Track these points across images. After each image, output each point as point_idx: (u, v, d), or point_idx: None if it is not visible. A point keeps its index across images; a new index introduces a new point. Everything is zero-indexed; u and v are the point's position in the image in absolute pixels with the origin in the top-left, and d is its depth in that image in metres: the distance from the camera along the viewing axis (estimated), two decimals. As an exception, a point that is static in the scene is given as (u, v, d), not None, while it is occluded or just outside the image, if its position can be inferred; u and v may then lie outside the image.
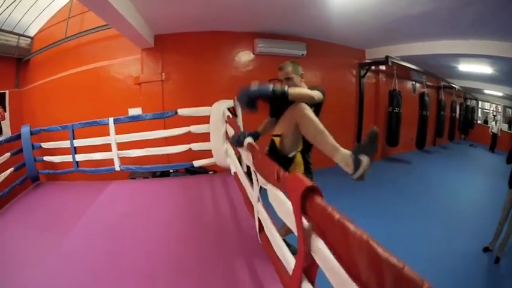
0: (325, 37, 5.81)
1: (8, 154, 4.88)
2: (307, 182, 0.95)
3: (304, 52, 5.60)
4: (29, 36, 6.31)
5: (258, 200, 2.01)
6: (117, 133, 4.45)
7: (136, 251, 2.57)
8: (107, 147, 4.55)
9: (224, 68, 5.45)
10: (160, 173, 4.83)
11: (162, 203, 3.38)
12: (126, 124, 4.48)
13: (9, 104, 6.14)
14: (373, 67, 6.54)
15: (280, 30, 5.46)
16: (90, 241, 2.89)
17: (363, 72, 6.41)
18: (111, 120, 4.42)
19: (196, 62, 5.22)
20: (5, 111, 6.07)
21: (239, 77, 5.48)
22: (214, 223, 2.89)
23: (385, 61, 6.13)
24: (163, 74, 5.04)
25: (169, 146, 4.39)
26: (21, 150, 5.10)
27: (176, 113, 4.23)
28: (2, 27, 5.61)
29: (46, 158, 5.13)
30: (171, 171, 4.79)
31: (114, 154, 4.55)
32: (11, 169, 4.89)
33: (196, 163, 4.17)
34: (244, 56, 5.49)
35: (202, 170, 4.83)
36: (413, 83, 7.58)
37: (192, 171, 4.83)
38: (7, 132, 6.01)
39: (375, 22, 4.83)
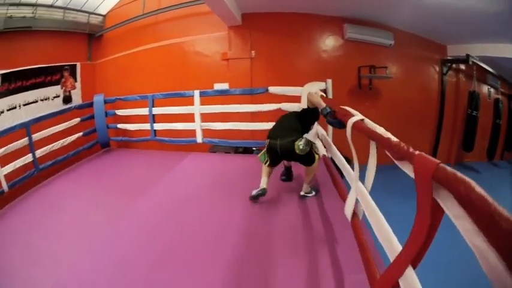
0: (410, 27, 5.48)
1: (77, 119, 4.96)
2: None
3: (392, 42, 5.28)
4: (100, 14, 6.55)
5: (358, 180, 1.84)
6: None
7: (214, 223, 2.37)
8: (188, 119, 4.43)
9: (312, 51, 5.23)
10: (243, 149, 4.54)
11: (243, 179, 3.17)
12: (211, 98, 4.38)
13: (80, 75, 6.26)
14: (454, 65, 6.14)
15: (369, 17, 5.19)
16: (160, 208, 2.75)
17: (445, 69, 6.01)
18: (196, 92, 4.32)
19: (285, 42, 5.06)
20: (76, 81, 6.15)
21: (327, 61, 5.24)
22: (298, 204, 2.62)
23: (465, 59, 5.72)
24: (252, 51, 4.85)
25: (256, 122, 4.18)
26: (92, 117, 5.16)
27: (267, 90, 4.06)
28: (71, 6, 5.95)
29: (120, 126, 5.12)
30: (254, 148, 4.47)
31: (197, 125, 4.43)
32: (80, 134, 4.97)
33: None
34: (333, 41, 5.23)
35: None
36: (489, 87, 7.07)
37: None
38: (77, 101, 6.11)
39: (458, 15, 4.51)
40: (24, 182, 3.98)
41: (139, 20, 5.85)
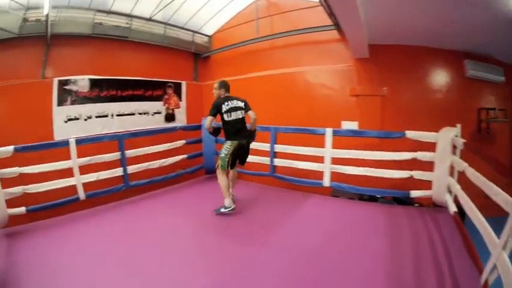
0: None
1: (182, 141, 4.74)
2: None
3: (503, 78, 4.70)
4: (205, 35, 6.52)
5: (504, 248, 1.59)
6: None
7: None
8: (311, 158, 4.10)
9: (432, 89, 4.75)
10: (369, 196, 4.17)
11: (372, 231, 2.93)
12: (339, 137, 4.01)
13: (186, 94, 6.07)
14: None
15: (485, 51, 4.70)
16: (283, 257, 2.46)
17: None
18: (329, 130, 3.95)
19: (409, 79, 4.65)
20: (180, 100, 5.88)
21: (448, 101, 4.71)
22: (430, 268, 2.23)
23: None
24: (384, 88, 4.50)
25: (388, 170, 3.77)
26: (199, 141, 4.92)
27: (404, 134, 3.62)
28: (171, 22, 5.95)
29: None
30: (378, 196, 4.13)
31: (326, 167, 4.04)
32: (184, 156, 4.76)
33: (415, 193, 3.55)
34: (453, 78, 4.74)
35: (408, 201, 4.14)
36: None
37: (399, 200, 4.15)
38: (181, 120, 6.02)
39: None
40: (109, 195, 3.89)
41: (252, 45, 5.66)
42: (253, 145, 4.43)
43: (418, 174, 3.52)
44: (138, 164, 4.22)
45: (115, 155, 4.03)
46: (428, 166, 3.39)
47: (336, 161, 4.01)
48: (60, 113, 4.71)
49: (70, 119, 4.78)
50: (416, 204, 3.84)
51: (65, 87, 4.73)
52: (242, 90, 5.53)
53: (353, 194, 4.18)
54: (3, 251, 2.66)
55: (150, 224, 3.28)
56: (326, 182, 4.06)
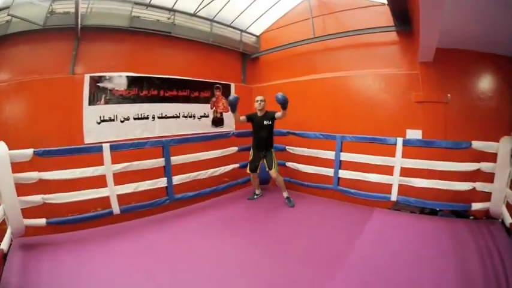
0: None
1: (235, 148, 4.54)
2: None
3: None
4: (254, 34, 6.20)
5: None
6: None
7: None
8: (375, 168, 3.92)
9: (491, 97, 4.38)
10: (430, 210, 3.99)
11: (441, 249, 2.79)
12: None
13: None
14: None
15: None
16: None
17: None
18: (399, 140, 3.79)
19: (470, 85, 4.34)
20: None
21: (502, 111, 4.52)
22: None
23: None
24: (448, 95, 4.29)
25: (453, 182, 3.57)
26: (250, 148, 4.60)
27: (470, 145, 3.48)
28: (217, 20, 5.56)
29: (290, 164, 4.64)
30: (438, 209, 3.98)
31: (394, 179, 3.86)
32: (236, 165, 4.58)
33: (476, 206, 3.42)
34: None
35: (464, 213, 3.99)
36: None
37: (457, 212, 3.98)
38: (230, 125, 5.71)
39: None
40: (151, 209, 3.61)
41: (304, 46, 5.38)
42: (311, 152, 4.39)
43: (480, 186, 3.41)
44: (184, 174, 3.93)
45: (158, 162, 3.67)
46: (489, 177, 3.28)
47: (403, 172, 3.83)
48: (92, 113, 4.24)
49: (104, 120, 4.33)
50: (471, 217, 3.70)
51: (98, 84, 4.31)
52: (294, 93, 5.34)
53: (414, 208, 3.99)
54: (19, 267, 2.32)
55: (203, 246, 2.95)
56: (393, 195, 3.88)
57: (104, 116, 4.31)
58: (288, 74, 5.64)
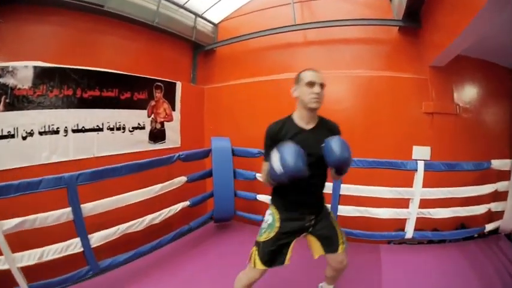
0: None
1: (182, 179, 3.18)
2: None
3: None
4: (211, 22, 4.78)
5: None
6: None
7: None
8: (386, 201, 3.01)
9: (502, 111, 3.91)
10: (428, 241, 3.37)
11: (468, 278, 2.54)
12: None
13: (181, 101, 4.19)
14: None
15: None
16: None
17: None
18: (420, 164, 2.94)
19: (482, 97, 3.70)
20: (173, 110, 4.11)
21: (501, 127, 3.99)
22: None
23: None
24: (457, 105, 3.53)
25: (471, 206, 3.10)
26: (208, 175, 3.48)
27: (490, 164, 3.07)
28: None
29: (264, 199, 3.40)
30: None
31: (412, 213, 3.00)
32: (186, 203, 3.24)
33: (489, 226, 3.16)
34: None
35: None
36: None
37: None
38: (174, 140, 4.15)
39: None
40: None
41: (279, 36, 4.15)
42: None
43: (494, 206, 3.17)
44: (107, 227, 2.53)
45: (62, 214, 2.21)
46: (502, 195, 3.11)
47: (422, 203, 3.00)
48: None
49: (2, 137, 2.63)
50: (476, 235, 3.32)
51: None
52: (261, 97, 4.16)
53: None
54: None
55: None
56: (409, 232, 3.02)
57: (2, 130, 2.62)
58: (253, 71, 4.40)
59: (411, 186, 2.92)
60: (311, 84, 1.54)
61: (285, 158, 1.37)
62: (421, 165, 2.88)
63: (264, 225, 1.73)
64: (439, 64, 3.43)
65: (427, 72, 3.49)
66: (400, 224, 3.09)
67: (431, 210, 3.00)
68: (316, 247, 1.74)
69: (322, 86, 1.56)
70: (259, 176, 3.31)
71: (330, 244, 1.73)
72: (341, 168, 1.54)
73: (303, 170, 1.38)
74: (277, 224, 1.66)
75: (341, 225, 2.93)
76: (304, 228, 1.69)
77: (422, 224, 3.06)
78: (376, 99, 3.63)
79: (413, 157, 3.43)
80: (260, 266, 1.64)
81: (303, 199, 1.65)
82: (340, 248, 1.74)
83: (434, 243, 3.23)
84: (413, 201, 2.93)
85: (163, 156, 2.96)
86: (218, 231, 3.48)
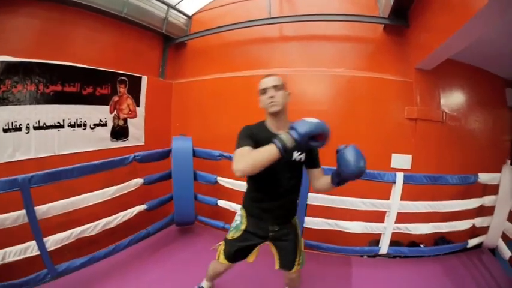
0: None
1: (138, 181, 2.96)
2: None
3: None
4: (185, 13, 4.46)
5: None
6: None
7: None
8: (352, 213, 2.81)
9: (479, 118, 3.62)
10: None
11: None
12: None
13: (146, 96, 3.97)
14: None
15: None
16: None
17: None
18: (400, 176, 2.70)
19: (470, 105, 3.48)
20: (137, 106, 3.88)
21: (488, 134, 3.63)
22: None
23: None
24: (443, 112, 3.28)
25: (453, 222, 2.93)
26: (167, 177, 3.23)
27: (477, 178, 2.85)
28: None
29: (224, 204, 3.20)
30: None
31: (388, 228, 2.79)
32: (143, 206, 3.00)
33: (472, 242, 2.98)
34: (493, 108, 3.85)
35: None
36: None
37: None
38: (137, 138, 3.94)
39: None
40: None
41: (255, 30, 3.86)
42: None
43: (479, 222, 2.97)
44: (65, 230, 2.39)
45: (18, 216, 2.12)
46: (488, 210, 2.92)
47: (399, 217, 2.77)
48: None
49: None
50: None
51: None
52: (231, 93, 3.92)
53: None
54: None
55: None
56: (384, 247, 2.80)
57: None
58: (226, 67, 4.12)
59: (388, 198, 2.69)
60: (264, 91, 1.57)
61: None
62: (400, 178, 2.64)
63: (233, 224, 1.77)
64: (426, 67, 3.19)
65: (412, 74, 3.24)
66: (374, 235, 2.87)
67: (409, 226, 2.78)
68: (275, 258, 1.76)
69: (276, 87, 1.55)
70: (221, 180, 3.09)
71: (285, 261, 1.74)
72: (351, 180, 1.44)
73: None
74: (243, 227, 1.70)
75: (308, 237, 2.72)
76: (266, 236, 1.69)
77: (398, 236, 2.83)
78: (356, 101, 3.38)
79: (392, 165, 3.20)
80: (223, 260, 1.76)
81: (271, 207, 1.62)
82: (295, 268, 1.74)
83: (411, 257, 2.98)
84: (390, 215, 2.70)
85: (117, 158, 2.71)
86: (180, 235, 3.24)
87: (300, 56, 3.75)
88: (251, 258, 1.74)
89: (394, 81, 3.30)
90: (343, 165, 1.37)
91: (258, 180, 1.60)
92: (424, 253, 2.91)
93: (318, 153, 1.67)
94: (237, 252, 1.71)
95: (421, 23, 2.98)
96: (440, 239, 3.19)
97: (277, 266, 1.75)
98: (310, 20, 3.53)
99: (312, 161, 1.64)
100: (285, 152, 1.24)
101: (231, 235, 1.73)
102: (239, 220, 1.73)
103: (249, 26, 3.79)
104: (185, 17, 4.48)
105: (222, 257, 1.75)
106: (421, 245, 3.11)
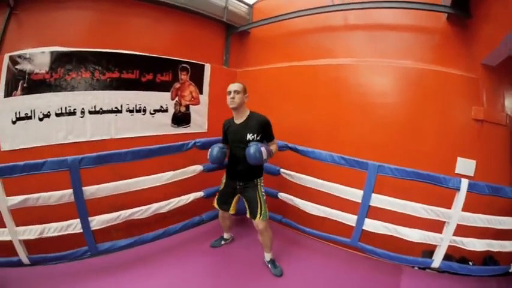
0: None
1: (198, 167, 3.00)
2: None
3: None
4: (245, 2, 4.45)
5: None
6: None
7: None
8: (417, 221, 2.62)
9: None
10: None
11: None
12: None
13: (209, 84, 4.01)
14: None
15: None
16: None
17: None
18: (464, 183, 2.44)
19: None
20: (201, 93, 3.95)
21: None
22: None
23: None
24: (507, 116, 3.00)
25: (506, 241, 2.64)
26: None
27: None
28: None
29: (284, 197, 3.14)
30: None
31: (444, 239, 2.56)
32: (200, 193, 3.07)
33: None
34: None
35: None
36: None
37: None
38: (200, 125, 4.00)
39: None
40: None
41: (316, 19, 3.71)
42: (322, 185, 2.83)
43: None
44: (113, 212, 2.51)
45: (64, 195, 2.26)
46: None
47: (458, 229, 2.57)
48: (8, 108, 2.74)
49: (20, 118, 2.79)
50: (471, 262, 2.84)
51: (17, 67, 2.75)
52: (297, 82, 3.80)
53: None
54: None
55: None
56: (437, 261, 2.60)
57: (19, 112, 2.78)
58: (289, 55, 4.03)
59: (446, 206, 2.50)
60: (228, 93, 2.36)
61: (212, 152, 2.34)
62: (464, 185, 2.43)
63: (222, 180, 2.64)
64: (491, 63, 2.86)
65: (477, 70, 2.92)
66: (428, 245, 2.68)
67: (464, 240, 2.56)
68: (247, 208, 2.48)
69: (236, 92, 2.34)
70: (283, 172, 3.03)
71: (251, 211, 2.45)
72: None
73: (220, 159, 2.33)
74: (224, 182, 2.61)
75: (364, 241, 2.63)
76: (236, 189, 2.50)
77: (451, 249, 2.62)
78: (424, 96, 3.12)
79: (456, 171, 2.95)
80: (215, 204, 2.66)
81: (235, 168, 2.44)
82: (258, 217, 2.41)
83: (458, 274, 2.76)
84: (449, 226, 2.52)
85: (176, 143, 2.80)
86: (235, 226, 3.20)
87: (365, 45, 3.54)
88: (233, 210, 2.57)
89: (461, 77, 2.99)
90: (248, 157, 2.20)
91: (230, 154, 2.47)
92: (472, 272, 2.66)
93: (267, 132, 2.40)
94: (222, 199, 2.58)
95: (484, 13, 2.68)
96: (489, 257, 2.89)
97: (247, 215, 2.47)
98: (372, 8, 3.30)
99: (268, 137, 2.42)
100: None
101: (220, 188, 2.62)
102: (223, 179, 2.61)
103: (311, 14, 3.66)
104: (246, 6, 4.46)
105: (215, 202, 2.65)
106: (470, 263, 2.85)
